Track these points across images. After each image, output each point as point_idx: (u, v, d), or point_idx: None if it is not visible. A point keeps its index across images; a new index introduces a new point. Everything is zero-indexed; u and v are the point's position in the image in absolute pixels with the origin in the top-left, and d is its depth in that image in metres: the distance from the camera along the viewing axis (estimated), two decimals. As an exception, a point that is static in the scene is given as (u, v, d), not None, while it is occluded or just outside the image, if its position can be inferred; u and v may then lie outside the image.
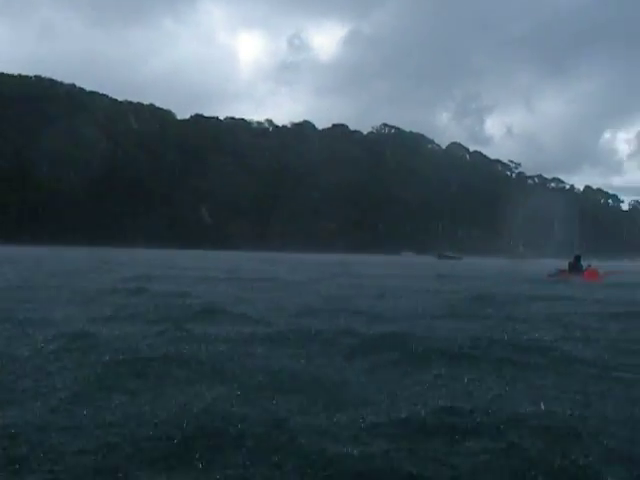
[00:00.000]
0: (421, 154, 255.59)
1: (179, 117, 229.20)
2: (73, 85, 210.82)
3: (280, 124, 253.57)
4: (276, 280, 33.17)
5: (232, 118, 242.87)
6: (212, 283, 29.65)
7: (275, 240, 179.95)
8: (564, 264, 47.99)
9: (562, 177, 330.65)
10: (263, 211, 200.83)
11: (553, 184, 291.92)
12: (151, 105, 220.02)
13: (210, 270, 43.65)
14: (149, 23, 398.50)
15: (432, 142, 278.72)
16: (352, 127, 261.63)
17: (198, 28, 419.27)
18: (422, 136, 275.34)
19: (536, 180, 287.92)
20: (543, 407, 7.64)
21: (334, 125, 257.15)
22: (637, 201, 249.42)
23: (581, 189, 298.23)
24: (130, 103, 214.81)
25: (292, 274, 41.03)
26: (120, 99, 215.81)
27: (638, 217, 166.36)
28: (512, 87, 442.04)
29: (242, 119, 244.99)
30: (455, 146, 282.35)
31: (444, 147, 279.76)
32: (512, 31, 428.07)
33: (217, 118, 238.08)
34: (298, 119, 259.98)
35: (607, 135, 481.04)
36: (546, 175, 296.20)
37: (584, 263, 46.77)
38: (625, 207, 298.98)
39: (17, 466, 5.69)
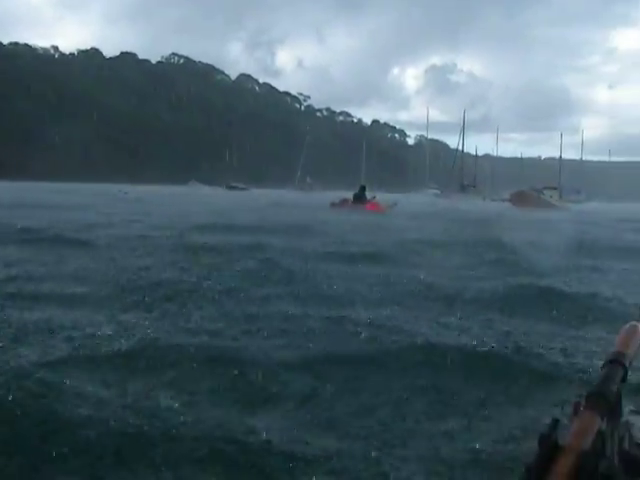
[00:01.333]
0: (210, 84, 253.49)
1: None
2: None
3: (67, 51, 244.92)
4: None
5: (15, 44, 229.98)
6: None
7: (43, 168, 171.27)
8: (350, 195, 47.64)
9: (350, 111, 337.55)
10: (37, 138, 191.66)
11: (341, 117, 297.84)
12: None
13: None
14: None
15: (222, 73, 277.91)
16: (141, 56, 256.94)
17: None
18: (212, 67, 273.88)
19: (325, 113, 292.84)
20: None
21: (122, 53, 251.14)
22: (422, 136, 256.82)
23: (369, 123, 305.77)
24: None
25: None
26: None
27: (423, 151, 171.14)
28: (304, 20, 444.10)
29: (26, 45, 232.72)
30: (244, 78, 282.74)
31: (234, 78, 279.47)
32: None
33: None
34: (86, 46, 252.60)
35: (396, 71, 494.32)
36: (335, 108, 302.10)
37: (369, 194, 46.75)
38: (411, 142, 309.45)
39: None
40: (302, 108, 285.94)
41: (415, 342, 7.47)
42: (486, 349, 7.30)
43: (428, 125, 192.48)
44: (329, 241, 19.46)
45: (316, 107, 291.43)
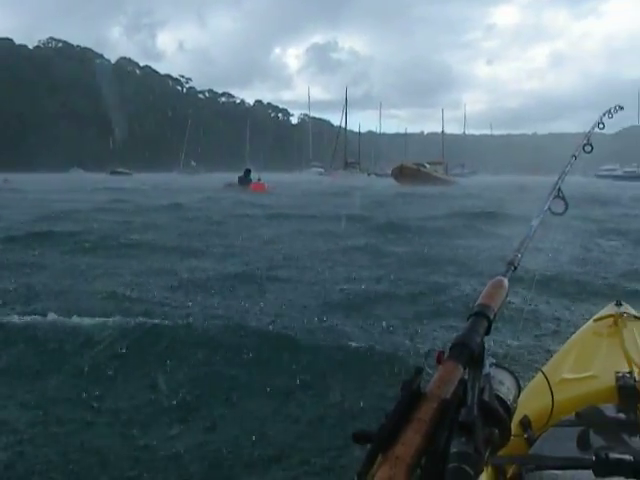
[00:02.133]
0: (90, 68, 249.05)
1: None
2: None
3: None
4: None
5: None
6: None
7: None
8: (234, 177, 49.26)
9: (233, 92, 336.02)
10: None
11: (224, 99, 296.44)
12: None
13: None
14: None
15: (101, 57, 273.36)
16: (18, 41, 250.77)
17: None
18: (91, 51, 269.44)
19: (207, 95, 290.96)
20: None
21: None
22: (306, 114, 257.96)
23: (252, 103, 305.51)
24: None
25: None
26: None
27: (307, 130, 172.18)
28: (185, 3, 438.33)
29: None
30: (125, 61, 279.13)
31: (114, 62, 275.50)
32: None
33: None
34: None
35: (277, 51, 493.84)
36: (217, 90, 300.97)
37: (254, 176, 48.35)
38: (295, 121, 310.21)
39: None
40: (184, 90, 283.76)
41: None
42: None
43: (310, 104, 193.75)
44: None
45: (198, 89, 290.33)
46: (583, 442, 2.11)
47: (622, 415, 2.31)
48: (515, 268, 1.84)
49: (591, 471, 1.78)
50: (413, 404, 1.11)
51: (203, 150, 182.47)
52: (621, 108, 4.14)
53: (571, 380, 2.73)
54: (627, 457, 1.77)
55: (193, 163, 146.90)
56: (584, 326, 3.65)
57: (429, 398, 1.13)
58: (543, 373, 2.19)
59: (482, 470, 1.21)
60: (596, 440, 2.07)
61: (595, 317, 3.66)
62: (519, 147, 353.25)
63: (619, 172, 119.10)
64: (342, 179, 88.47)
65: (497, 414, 1.30)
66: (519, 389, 1.49)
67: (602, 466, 1.76)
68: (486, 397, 1.30)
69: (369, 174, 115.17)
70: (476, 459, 1.18)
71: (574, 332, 3.59)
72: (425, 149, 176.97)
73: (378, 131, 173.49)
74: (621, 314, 3.55)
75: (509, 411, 1.39)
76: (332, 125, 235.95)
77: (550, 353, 4.08)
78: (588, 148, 3.25)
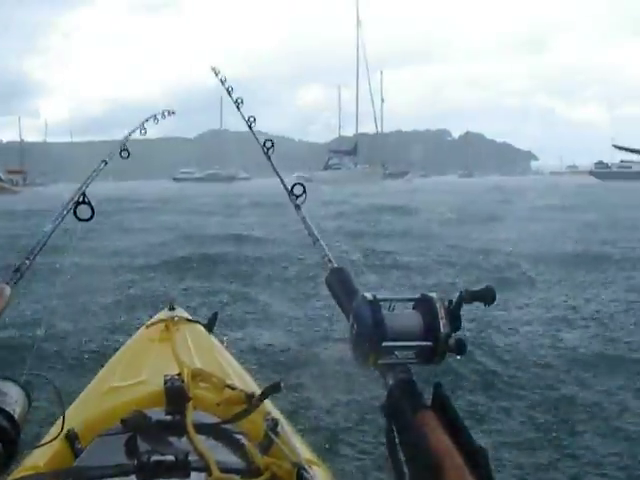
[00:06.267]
0: None
1: None
2: None
3: None
4: None
5: None
6: None
7: None
8: None
9: None
10: None
11: None
12: None
13: None
14: None
15: None
16: None
17: None
18: None
19: None
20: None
21: None
22: None
23: None
24: None
25: None
26: None
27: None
28: None
29: None
30: None
31: None
32: None
33: None
34: None
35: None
36: None
37: None
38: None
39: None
40: None
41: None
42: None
43: None
44: None
45: None
46: (130, 448, 2.08)
47: (169, 417, 2.30)
48: (22, 276, 1.79)
49: (135, 476, 1.82)
50: None
51: None
52: (172, 113, 4.37)
53: (119, 388, 2.67)
54: (169, 458, 1.82)
55: None
56: (136, 333, 3.66)
57: None
58: (92, 384, 2.12)
59: None
60: (143, 445, 2.03)
61: (147, 323, 3.67)
62: (103, 154, 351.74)
63: (199, 174, 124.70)
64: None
65: None
66: (29, 400, 1.44)
67: (145, 470, 1.81)
68: None
69: None
70: None
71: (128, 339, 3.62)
72: (5, 158, 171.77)
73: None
74: (172, 318, 3.56)
75: (15, 424, 1.33)
76: None
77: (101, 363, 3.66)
78: (125, 154, 3.37)
